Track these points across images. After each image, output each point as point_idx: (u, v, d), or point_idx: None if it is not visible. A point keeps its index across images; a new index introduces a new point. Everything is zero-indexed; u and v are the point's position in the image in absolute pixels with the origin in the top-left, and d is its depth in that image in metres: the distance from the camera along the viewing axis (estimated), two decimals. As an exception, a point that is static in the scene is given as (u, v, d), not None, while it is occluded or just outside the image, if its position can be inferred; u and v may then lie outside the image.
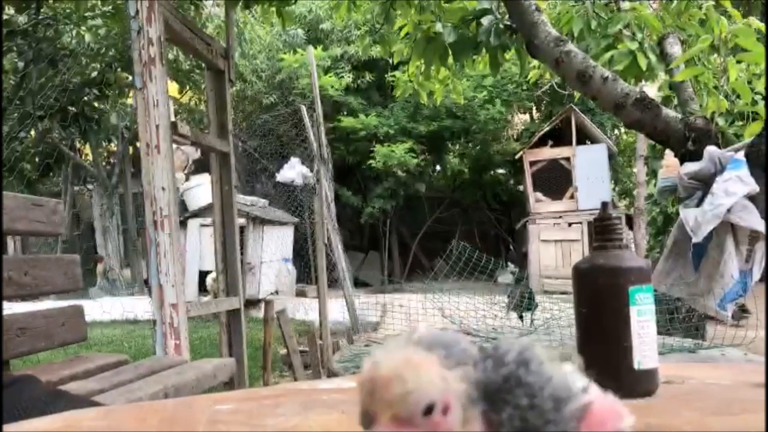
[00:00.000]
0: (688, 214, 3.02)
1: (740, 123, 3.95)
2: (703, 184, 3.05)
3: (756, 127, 3.05)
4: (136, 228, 10.40)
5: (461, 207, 11.99)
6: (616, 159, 10.74)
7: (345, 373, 3.11)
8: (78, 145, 10.13)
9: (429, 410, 0.20)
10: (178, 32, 2.79)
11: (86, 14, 6.66)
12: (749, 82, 3.25)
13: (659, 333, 3.38)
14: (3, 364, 1.80)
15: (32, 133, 8.22)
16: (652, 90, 4.32)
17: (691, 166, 3.02)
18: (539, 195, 9.85)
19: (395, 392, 0.19)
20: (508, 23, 3.39)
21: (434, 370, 0.20)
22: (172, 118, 2.62)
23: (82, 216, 11.66)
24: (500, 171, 11.65)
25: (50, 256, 2.20)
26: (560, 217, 9.63)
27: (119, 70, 7.33)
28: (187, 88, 8.41)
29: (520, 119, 12.16)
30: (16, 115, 7.36)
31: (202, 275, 7.94)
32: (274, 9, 3.48)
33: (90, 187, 11.07)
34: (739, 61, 3.07)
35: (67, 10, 6.77)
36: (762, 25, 2.95)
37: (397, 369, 0.20)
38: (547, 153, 9.98)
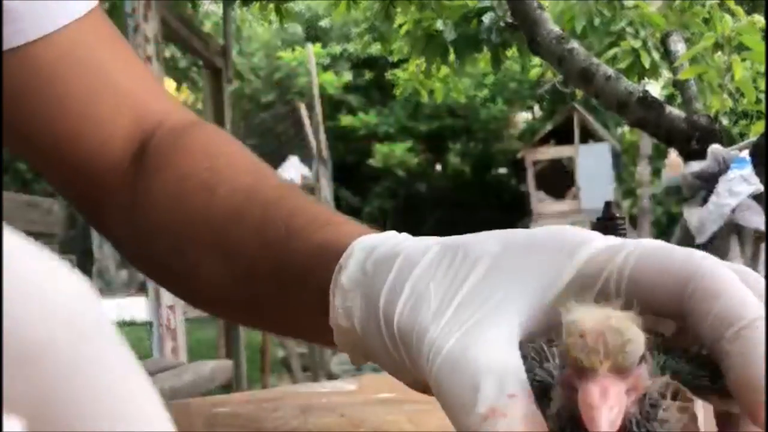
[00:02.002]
0: (692, 214, 3.01)
1: (744, 122, 3.93)
2: (708, 183, 3.03)
3: (761, 126, 3.03)
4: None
5: (462, 207, 11.98)
6: (619, 158, 10.71)
7: (344, 375, 3.09)
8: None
9: (641, 360, 0.21)
10: (175, 30, 2.77)
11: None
12: (754, 81, 3.23)
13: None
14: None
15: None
16: (655, 88, 4.30)
17: (695, 165, 3.00)
18: (541, 195, 9.82)
19: (614, 343, 0.21)
20: (510, 21, 3.37)
21: (635, 324, 0.22)
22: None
23: (78, 216, 11.66)
24: (502, 170, 11.64)
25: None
26: (563, 217, 9.61)
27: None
28: (184, 86, 8.39)
29: (522, 118, 12.14)
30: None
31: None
32: (272, 6, 3.46)
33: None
34: (743, 60, 3.05)
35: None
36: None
37: (607, 322, 0.21)
38: (550, 152, 9.96)
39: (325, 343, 0.37)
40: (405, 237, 0.33)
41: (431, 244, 0.31)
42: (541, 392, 0.24)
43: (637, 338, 0.21)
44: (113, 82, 0.45)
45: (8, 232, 0.13)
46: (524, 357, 0.24)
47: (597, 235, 0.27)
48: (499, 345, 0.24)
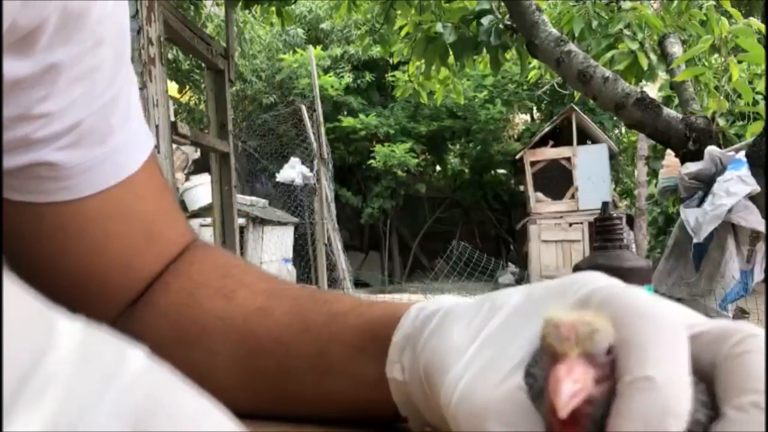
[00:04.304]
0: (689, 215, 3.01)
1: (741, 123, 3.94)
2: (704, 184, 3.04)
3: (757, 127, 3.04)
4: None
5: (462, 207, 11.98)
6: (617, 159, 10.72)
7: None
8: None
9: (609, 351, 0.23)
10: (178, 32, 2.78)
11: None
12: (750, 82, 3.24)
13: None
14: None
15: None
16: (653, 90, 4.32)
17: (692, 166, 3.01)
18: (540, 195, 9.83)
19: (582, 331, 0.22)
20: (509, 23, 3.39)
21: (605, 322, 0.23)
22: (172, 118, 2.61)
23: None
24: (501, 171, 11.64)
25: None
26: (561, 217, 9.62)
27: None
28: (187, 87, 8.40)
29: (521, 119, 12.15)
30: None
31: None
32: (273, 9, 3.47)
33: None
34: (740, 61, 3.07)
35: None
36: (762, 26, 2.95)
37: (579, 318, 0.23)
38: (548, 153, 9.96)
39: (376, 415, 0.38)
40: (456, 298, 0.35)
41: (471, 300, 0.33)
42: (538, 391, 0.25)
43: (605, 330, 0.23)
44: (154, 233, 0.44)
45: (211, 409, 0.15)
46: (526, 373, 0.26)
47: (600, 280, 0.28)
48: (503, 385, 0.26)
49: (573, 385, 0.22)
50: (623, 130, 10.88)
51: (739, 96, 3.19)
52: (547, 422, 0.24)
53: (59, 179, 0.39)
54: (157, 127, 2.44)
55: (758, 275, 2.99)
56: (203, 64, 3.31)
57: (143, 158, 0.43)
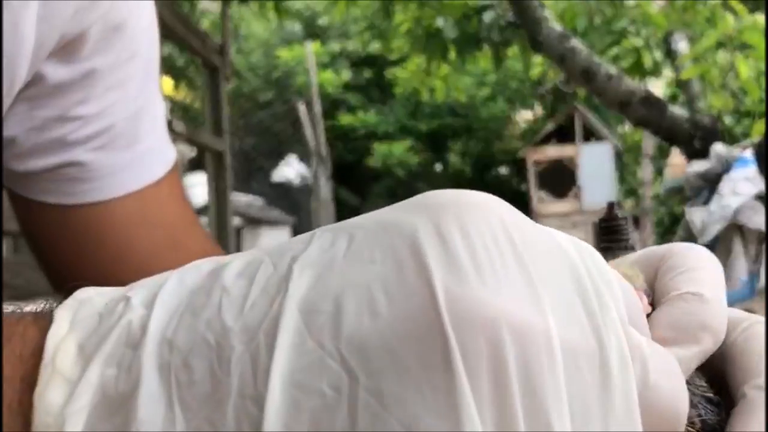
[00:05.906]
0: (695, 215, 2.98)
1: (747, 121, 3.91)
2: (710, 183, 3.01)
3: (762, 126, 3.01)
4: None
5: (462, 206, 11.96)
6: (621, 157, 10.68)
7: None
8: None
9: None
10: (173, 28, 2.74)
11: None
12: (757, 79, 3.21)
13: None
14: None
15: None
16: (658, 87, 4.28)
17: (698, 165, 2.98)
18: (543, 194, 9.79)
19: (627, 273, 0.24)
20: (511, 19, 3.35)
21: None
22: (167, 117, 2.57)
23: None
24: (503, 170, 11.61)
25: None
26: (565, 216, 9.58)
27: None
28: (182, 85, 8.37)
29: (523, 117, 12.12)
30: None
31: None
32: (271, 3, 3.44)
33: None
34: (746, 57, 3.04)
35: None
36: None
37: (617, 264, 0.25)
38: (551, 151, 9.92)
39: None
40: None
41: None
42: None
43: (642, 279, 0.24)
44: (177, 242, 0.46)
45: None
46: None
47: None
48: None
49: None
50: (627, 128, 10.85)
51: (746, 93, 3.16)
52: None
53: (87, 180, 0.41)
54: (149, 125, 2.39)
55: (765, 276, 2.96)
56: (198, 61, 3.27)
57: (166, 168, 0.45)
